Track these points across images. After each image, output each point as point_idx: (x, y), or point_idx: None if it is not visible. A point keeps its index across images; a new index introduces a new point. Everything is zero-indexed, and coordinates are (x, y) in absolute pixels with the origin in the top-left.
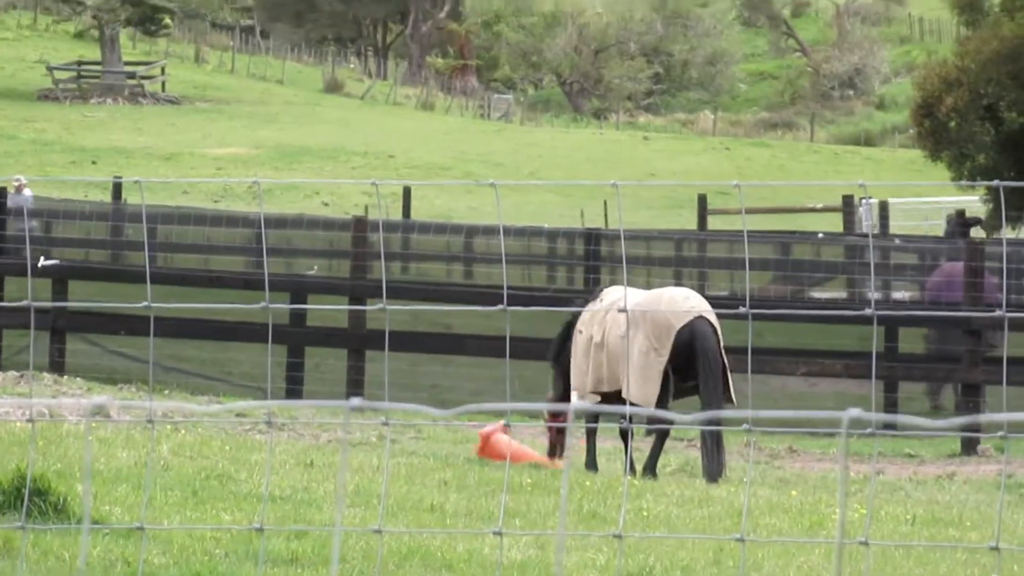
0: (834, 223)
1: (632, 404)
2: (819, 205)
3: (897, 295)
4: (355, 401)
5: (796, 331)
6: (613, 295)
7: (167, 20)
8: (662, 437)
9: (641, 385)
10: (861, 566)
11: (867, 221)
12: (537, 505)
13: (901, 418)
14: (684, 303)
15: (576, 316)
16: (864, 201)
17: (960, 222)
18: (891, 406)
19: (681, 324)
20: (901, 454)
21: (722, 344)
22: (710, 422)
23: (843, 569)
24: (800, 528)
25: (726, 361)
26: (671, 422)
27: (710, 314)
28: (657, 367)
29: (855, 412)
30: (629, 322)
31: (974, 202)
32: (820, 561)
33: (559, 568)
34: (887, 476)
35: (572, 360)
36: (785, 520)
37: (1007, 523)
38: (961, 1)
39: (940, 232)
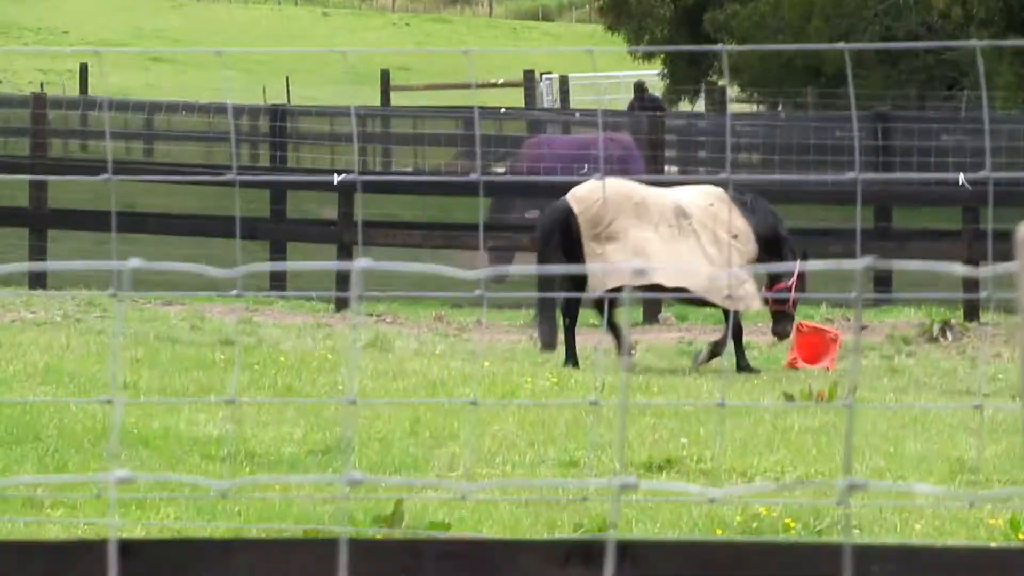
0: (516, 99)
1: None
2: (500, 80)
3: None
4: None
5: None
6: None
7: None
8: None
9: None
10: (554, 432)
11: (548, 96)
12: (232, 380)
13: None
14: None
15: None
16: (544, 76)
17: (641, 96)
18: None
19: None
20: (587, 323)
21: (579, 228)
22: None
23: (537, 436)
24: (494, 396)
25: (585, 248)
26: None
27: (585, 201)
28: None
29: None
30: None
31: (652, 76)
32: (514, 429)
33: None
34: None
35: None
36: (480, 389)
37: (692, 387)
38: None
39: (620, 106)
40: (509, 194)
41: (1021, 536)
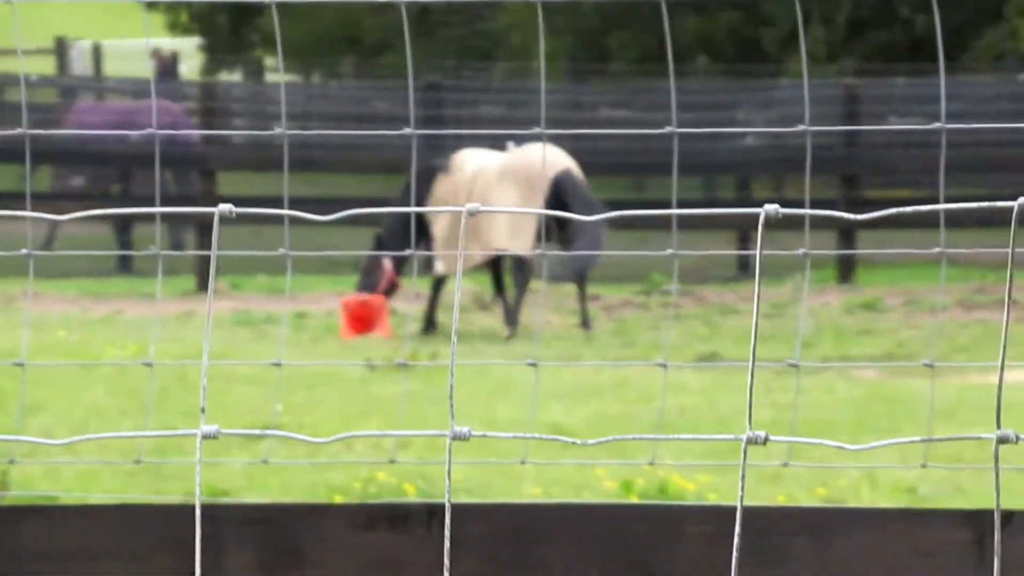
0: (46, 65)
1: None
2: (31, 47)
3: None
4: None
5: None
6: (471, 160)
7: None
8: (524, 286)
9: (514, 237)
10: (145, 400)
11: (80, 63)
12: None
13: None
14: (551, 155)
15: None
16: (76, 43)
17: (164, 64)
18: (125, 246)
19: (555, 173)
20: (139, 293)
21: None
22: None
23: (130, 405)
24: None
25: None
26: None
27: (575, 167)
28: (530, 218)
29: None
30: (499, 181)
31: (189, 45)
32: (104, 398)
33: None
34: (128, 315)
35: (437, 231)
36: (60, 359)
37: (249, 354)
38: None
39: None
40: (45, 162)
41: (633, 497)
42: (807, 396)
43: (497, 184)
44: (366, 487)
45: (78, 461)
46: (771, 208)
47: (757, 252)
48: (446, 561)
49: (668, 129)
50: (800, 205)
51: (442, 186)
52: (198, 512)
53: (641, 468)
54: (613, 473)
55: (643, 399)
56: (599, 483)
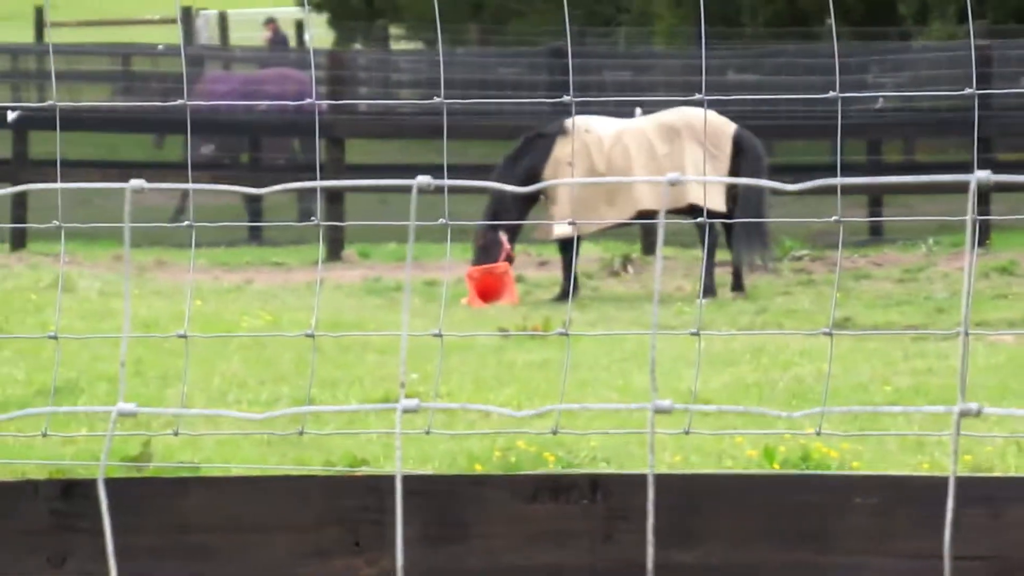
0: (174, 35)
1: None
2: (156, 17)
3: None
4: None
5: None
6: (594, 124)
7: None
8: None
9: (709, 194)
10: (281, 370)
11: (205, 32)
12: None
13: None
14: (715, 116)
15: (538, 158)
16: (201, 13)
17: (274, 32)
18: (255, 215)
19: (733, 130)
20: (269, 263)
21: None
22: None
23: (266, 374)
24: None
25: None
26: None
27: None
28: (720, 174)
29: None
30: (670, 138)
31: (316, 15)
32: (240, 368)
33: None
34: (259, 285)
35: (560, 194)
36: (195, 328)
37: (382, 322)
38: None
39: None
40: (176, 131)
41: (776, 465)
42: (945, 362)
43: (669, 141)
44: (506, 456)
45: (218, 432)
46: (983, 175)
47: (968, 218)
48: (648, 533)
49: (832, 94)
50: (930, 169)
51: (563, 148)
52: (398, 484)
53: (782, 436)
54: (753, 441)
55: (779, 365)
56: (739, 451)
